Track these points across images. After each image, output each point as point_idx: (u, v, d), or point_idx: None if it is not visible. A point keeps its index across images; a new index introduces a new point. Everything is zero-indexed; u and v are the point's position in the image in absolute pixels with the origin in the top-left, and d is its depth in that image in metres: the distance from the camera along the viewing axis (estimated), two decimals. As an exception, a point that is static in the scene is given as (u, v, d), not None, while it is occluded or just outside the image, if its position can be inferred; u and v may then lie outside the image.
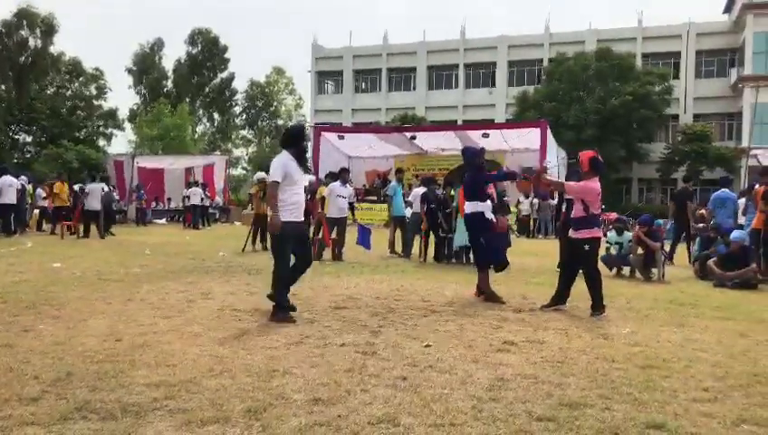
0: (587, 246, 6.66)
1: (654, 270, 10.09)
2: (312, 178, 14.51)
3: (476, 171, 7.86)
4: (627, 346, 5.16)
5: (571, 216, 6.86)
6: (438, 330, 5.61)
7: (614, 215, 25.38)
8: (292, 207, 6.00)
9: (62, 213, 18.54)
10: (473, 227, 7.66)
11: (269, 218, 6.12)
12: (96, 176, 19.83)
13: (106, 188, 19.89)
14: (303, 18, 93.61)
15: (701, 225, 12.53)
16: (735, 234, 9.83)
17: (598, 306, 6.55)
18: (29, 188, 20.41)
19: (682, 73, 43.04)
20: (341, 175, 12.49)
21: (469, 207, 7.69)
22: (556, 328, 5.83)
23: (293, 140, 6.27)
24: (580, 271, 6.79)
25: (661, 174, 39.43)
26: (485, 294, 7.38)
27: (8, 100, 38.58)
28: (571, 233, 6.85)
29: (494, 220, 7.66)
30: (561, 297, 6.85)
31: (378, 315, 6.22)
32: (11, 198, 17.07)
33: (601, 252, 11.16)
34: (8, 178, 17.41)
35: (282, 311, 5.92)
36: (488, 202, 7.71)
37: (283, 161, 6.04)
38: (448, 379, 4.08)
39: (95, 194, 17.77)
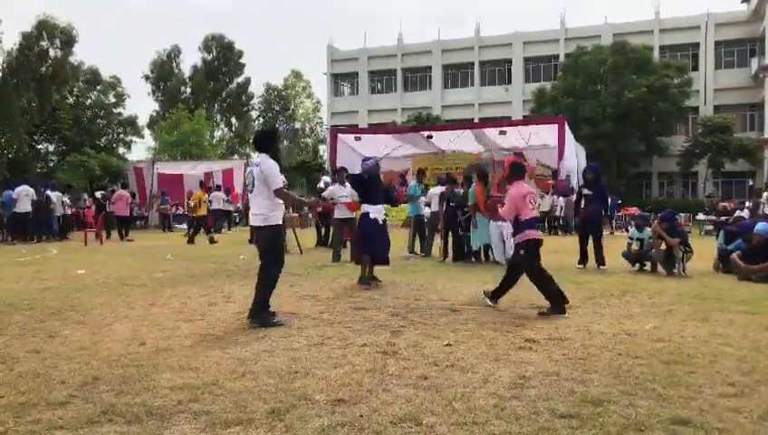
0: (522, 251, 6.66)
1: (676, 265, 9.97)
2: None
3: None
4: (650, 342, 5.11)
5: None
6: (459, 329, 5.60)
7: (635, 210, 25.25)
8: (280, 212, 6.08)
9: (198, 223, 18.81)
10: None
11: (311, 208, 6.36)
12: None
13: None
14: (318, 21, 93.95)
15: (724, 218, 12.37)
16: (760, 226, 9.67)
17: (554, 306, 6.38)
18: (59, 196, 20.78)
19: (701, 65, 42.50)
20: (338, 175, 12.47)
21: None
22: (578, 325, 5.79)
23: (271, 142, 6.24)
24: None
25: (682, 167, 38.94)
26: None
27: (30, 110, 39.17)
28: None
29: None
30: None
31: (398, 315, 6.23)
32: (25, 207, 17.61)
33: (623, 248, 11.15)
34: (24, 188, 17.94)
35: (267, 314, 5.86)
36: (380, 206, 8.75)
37: (274, 165, 5.99)
38: (470, 378, 4.08)
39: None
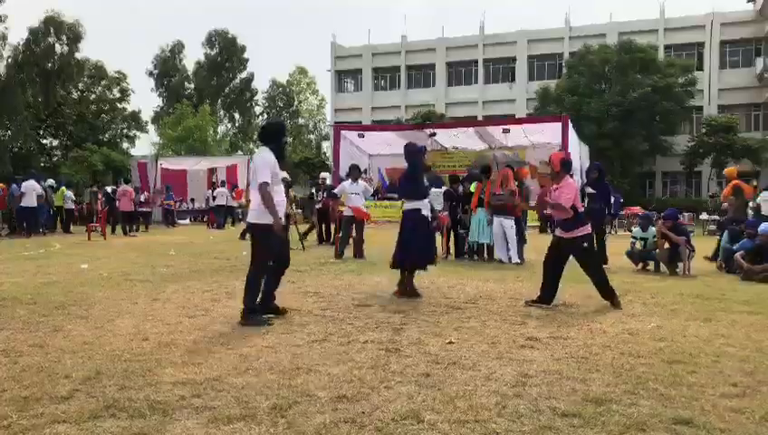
0: (585, 244, 6.76)
1: (680, 264, 9.96)
2: (287, 175, 14.71)
3: (416, 170, 7.52)
4: (652, 341, 5.11)
5: (561, 218, 6.83)
6: (461, 326, 5.61)
7: (638, 209, 25.19)
8: (278, 208, 5.72)
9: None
10: (410, 224, 7.36)
11: (273, 224, 5.65)
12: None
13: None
14: (322, 17, 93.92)
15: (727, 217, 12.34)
16: (764, 226, 9.65)
17: (613, 302, 6.67)
18: (63, 191, 20.89)
19: (706, 64, 42.37)
20: (351, 173, 12.58)
21: (408, 205, 7.43)
22: (580, 324, 5.79)
23: (275, 135, 5.94)
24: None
25: (685, 167, 38.85)
26: (405, 290, 7.20)
27: (35, 105, 39.28)
28: (563, 234, 6.76)
29: (431, 219, 7.67)
30: (548, 295, 6.71)
31: (400, 313, 6.23)
32: (32, 201, 17.70)
33: (626, 247, 11.14)
34: (31, 183, 18.04)
35: (253, 314, 5.68)
36: (426, 201, 7.54)
37: (267, 159, 5.71)
38: (472, 375, 4.08)
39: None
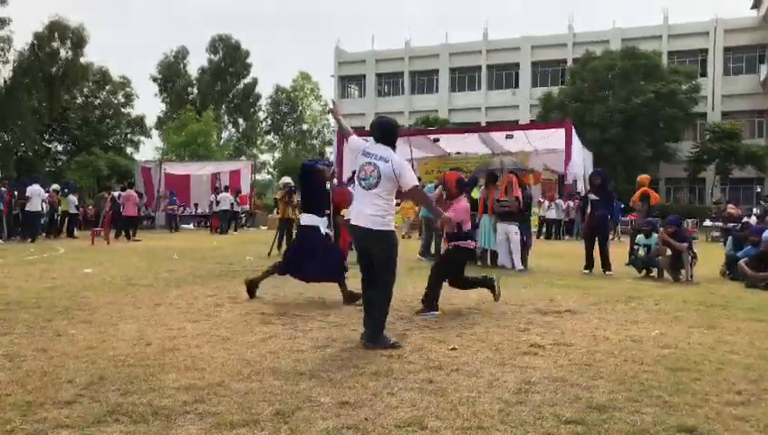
0: (450, 252, 6.97)
1: (683, 271, 9.94)
2: (290, 181, 14.79)
3: (313, 188, 7.64)
4: (656, 348, 5.09)
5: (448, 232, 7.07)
6: (464, 333, 5.60)
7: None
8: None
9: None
10: (307, 239, 7.38)
11: (442, 218, 5.77)
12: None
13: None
14: (326, 23, 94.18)
15: (731, 224, 12.33)
16: (767, 233, 9.63)
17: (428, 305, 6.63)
18: (71, 197, 20.96)
19: (710, 71, 42.39)
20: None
21: (307, 219, 7.48)
22: (583, 331, 5.77)
23: (396, 136, 5.40)
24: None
25: (689, 173, 38.80)
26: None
27: (40, 110, 39.45)
28: (448, 244, 7.06)
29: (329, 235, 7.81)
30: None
31: (403, 319, 6.23)
32: (36, 206, 17.76)
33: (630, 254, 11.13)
34: (36, 188, 18.11)
35: (386, 336, 5.12)
36: (324, 218, 7.56)
37: (405, 161, 5.34)
38: (475, 382, 4.08)
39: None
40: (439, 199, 7.35)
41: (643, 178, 12.40)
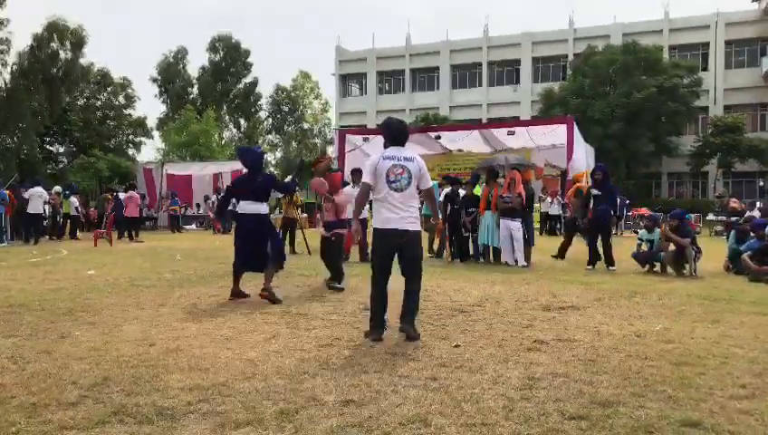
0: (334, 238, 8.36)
1: (686, 265, 9.92)
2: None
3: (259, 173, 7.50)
4: (660, 343, 5.09)
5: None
6: (467, 330, 5.60)
7: (645, 210, 25.12)
8: None
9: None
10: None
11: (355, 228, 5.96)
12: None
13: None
14: (326, 21, 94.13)
15: (734, 218, 12.30)
16: (771, 227, 9.62)
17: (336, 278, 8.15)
18: (72, 200, 20.97)
19: (711, 65, 42.28)
20: (354, 177, 12.45)
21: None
22: (587, 326, 5.77)
23: (407, 135, 5.49)
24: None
25: (692, 168, 38.73)
26: (268, 292, 7.09)
27: (41, 112, 39.46)
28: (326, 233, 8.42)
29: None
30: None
31: (406, 316, 6.22)
32: (37, 208, 17.78)
33: (632, 248, 11.11)
34: (38, 190, 18.12)
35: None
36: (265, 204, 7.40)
37: None
38: (479, 379, 4.07)
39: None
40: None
41: (578, 175, 12.53)
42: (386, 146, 5.37)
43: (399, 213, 5.13)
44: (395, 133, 5.35)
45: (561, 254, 12.41)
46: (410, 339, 5.10)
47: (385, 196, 5.17)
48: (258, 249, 7.19)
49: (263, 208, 7.31)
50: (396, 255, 5.24)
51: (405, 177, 5.14)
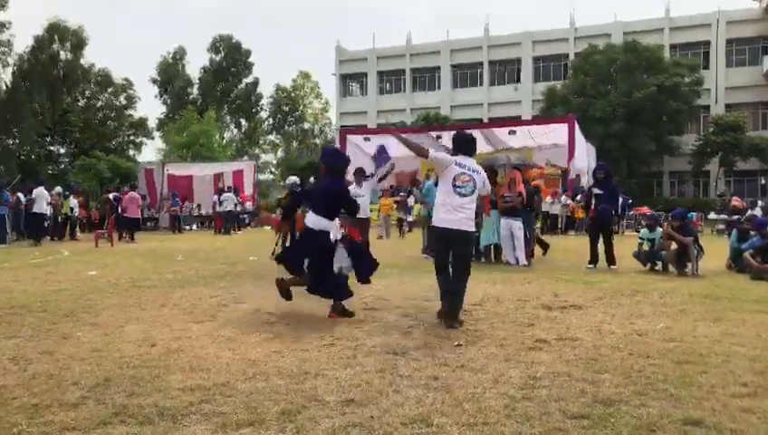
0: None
1: (688, 264, 9.91)
2: (297, 180, 14.56)
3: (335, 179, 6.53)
4: (662, 342, 5.08)
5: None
6: (469, 329, 5.59)
7: (646, 209, 25.10)
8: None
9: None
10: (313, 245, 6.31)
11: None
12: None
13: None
14: (326, 21, 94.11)
15: (736, 216, 12.28)
16: (772, 225, 9.60)
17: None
18: (71, 200, 20.96)
19: (712, 63, 42.23)
20: (355, 176, 12.41)
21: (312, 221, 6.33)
22: (589, 325, 5.76)
23: (475, 147, 6.26)
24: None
25: (693, 166, 38.70)
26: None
27: (42, 112, 39.52)
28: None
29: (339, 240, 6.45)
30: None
31: (408, 316, 6.23)
32: (41, 208, 17.80)
33: (634, 247, 11.09)
34: (41, 190, 18.14)
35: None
36: (336, 221, 6.45)
37: None
38: (480, 378, 4.07)
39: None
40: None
41: (512, 173, 12.62)
42: (455, 153, 6.02)
43: (457, 215, 5.76)
44: (464, 144, 6.07)
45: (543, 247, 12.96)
46: (450, 328, 5.58)
47: (448, 197, 5.81)
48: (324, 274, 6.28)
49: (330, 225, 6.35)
50: (450, 252, 5.88)
51: (471, 186, 5.81)
